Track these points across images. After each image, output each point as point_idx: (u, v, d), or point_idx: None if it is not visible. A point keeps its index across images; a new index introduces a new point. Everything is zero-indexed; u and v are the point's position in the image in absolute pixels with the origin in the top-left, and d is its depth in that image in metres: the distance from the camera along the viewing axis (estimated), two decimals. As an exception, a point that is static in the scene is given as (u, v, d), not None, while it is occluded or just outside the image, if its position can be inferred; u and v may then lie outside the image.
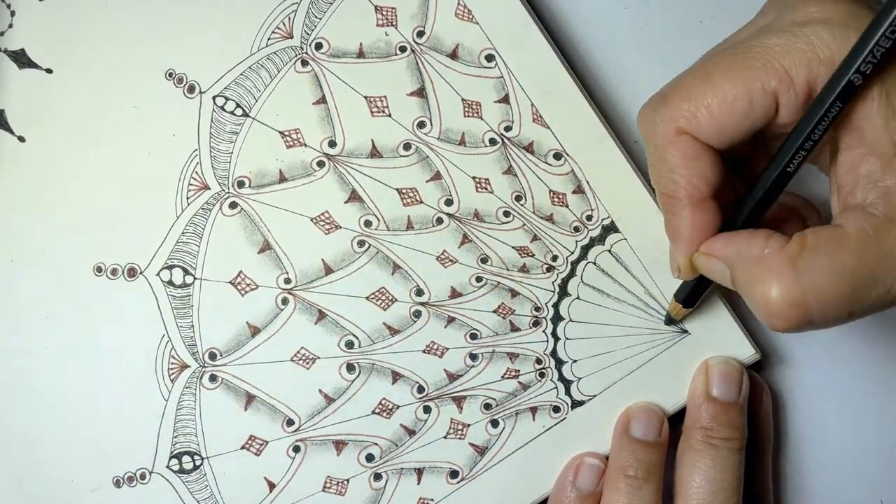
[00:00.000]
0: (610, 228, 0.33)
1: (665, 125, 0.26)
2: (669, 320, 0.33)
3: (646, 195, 0.32)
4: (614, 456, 0.32)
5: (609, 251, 0.33)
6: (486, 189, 0.33)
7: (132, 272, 0.33)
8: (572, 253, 0.33)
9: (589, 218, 0.33)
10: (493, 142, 0.33)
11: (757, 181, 0.27)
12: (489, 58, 0.33)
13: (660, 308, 0.33)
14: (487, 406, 0.33)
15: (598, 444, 0.33)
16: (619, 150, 0.32)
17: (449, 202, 0.33)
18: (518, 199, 0.33)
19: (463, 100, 0.33)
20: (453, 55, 0.33)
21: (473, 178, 0.33)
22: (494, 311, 0.33)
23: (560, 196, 0.33)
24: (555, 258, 0.33)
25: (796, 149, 0.25)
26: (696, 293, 0.31)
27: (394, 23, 0.33)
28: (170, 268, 0.33)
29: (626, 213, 0.32)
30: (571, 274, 0.33)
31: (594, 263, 0.33)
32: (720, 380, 0.32)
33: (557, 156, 0.33)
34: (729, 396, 0.32)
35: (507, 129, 0.33)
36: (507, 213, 0.33)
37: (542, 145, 0.33)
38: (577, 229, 0.33)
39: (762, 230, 0.26)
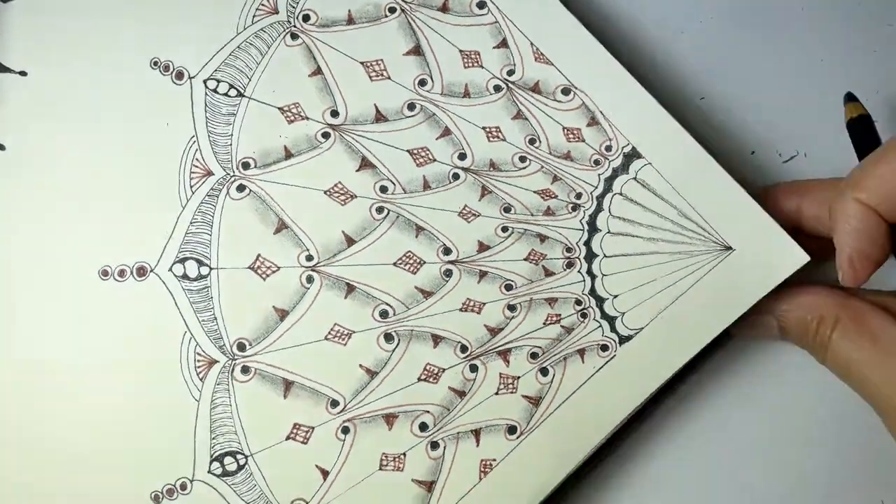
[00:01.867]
0: (632, 155, 0.32)
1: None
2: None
3: (663, 113, 0.32)
4: None
5: (634, 179, 0.32)
6: (497, 137, 0.32)
7: (142, 271, 0.30)
8: (596, 187, 0.32)
9: (608, 149, 0.32)
10: (497, 88, 0.32)
11: None
12: (480, 5, 0.32)
13: (696, 228, 0.32)
14: (534, 355, 0.32)
15: (651, 377, 0.31)
16: (626, 73, 0.32)
17: (462, 156, 0.32)
18: (532, 142, 0.32)
19: (461, 51, 0.32)
20: (444, 8, 0.32)
21: (483, 128, 0.32)
22: (525, 259, 0.32)
23: (575, 132, 0.32)
24: (579, 195, 0.32)
25: None
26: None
27: (381, -18, 0.32)
28: (182, 261, 0.31)
29: (645, 136, 0.32)
30: (598, 209, 0.32)
31: (621, 194, 0.32)
32: None
33: (566, 91, 0.32)
34: None
35: (510, 73, 0.32)
36: (522, 159, 0.32)
37: (548, 83, 0.32)
38: (597, 162, 0.32)
39: None
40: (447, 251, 0.32)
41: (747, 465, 0.35)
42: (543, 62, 0.32)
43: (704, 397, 0.34)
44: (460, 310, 0.32)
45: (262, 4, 0.32)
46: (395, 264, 0.31)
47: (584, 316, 0.32)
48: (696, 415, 0.34)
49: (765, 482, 0.34)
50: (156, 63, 0.31)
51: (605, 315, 0.32)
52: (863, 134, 0.32)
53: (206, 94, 0.31)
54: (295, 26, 0.32)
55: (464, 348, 0.31)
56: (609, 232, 0.32)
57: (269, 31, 0.32)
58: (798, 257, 0.32)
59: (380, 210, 0.32)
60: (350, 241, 0.31)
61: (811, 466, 0.34)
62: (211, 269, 0.31)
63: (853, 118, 0.32)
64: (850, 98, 0.33)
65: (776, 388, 0.35)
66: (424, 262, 0.32)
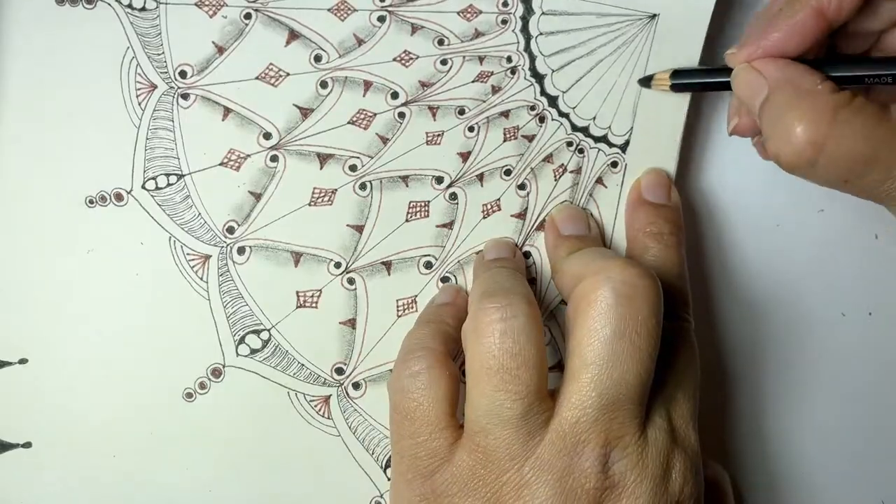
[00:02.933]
0: None
1: None
2: (646, 82, 0.32)
3: None
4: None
5: (543, 13, 0.32)
6: (411, 59, 0.32)
7: (119, 196, 0.32)
8: (518, 43, 0.32)
9: (505, 4, 0.32)
10: (381, 19, 0.32)
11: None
12: None
13: (618, 16, 0.32)
14: (507, 172, 0.33)
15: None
16: None
17: (382, -4, 0.32)
18: (441, 42, 0.32)
19: (328, 10, 0.32)
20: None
21: (393, 59, 0.32)
22: (474, 81, 0.33)
23: (468, 10, 0.32)
24: (509, 59, 0.33)
25: None
26: (692, 87, 0.31)
27: None
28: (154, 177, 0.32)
29: None
30: (532, 57, 0.33)
31: (540, 34, 0.32)
32: (565, 222, 0.33)
33: None
34: (579, 231, 0.32)
35: None
36: (444, 62, 0.32)
37: None
38: (504, 21, 0.32)
39: (819, 72, 0.27)
40: (395, 95, 0.33)
41: (746, 465, 0.36)
42: None
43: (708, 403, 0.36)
44: (426, 143, 0.33)
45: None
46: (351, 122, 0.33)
47: (541, 120, 0.33)
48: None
49: (763, 481, 0.36)
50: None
51: (574, 127, 0.33)
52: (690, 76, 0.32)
53: (126, 14, 0.32)
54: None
55: (439, 180, 0.33)
56: (552, 70, 0.33)
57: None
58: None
59: (324, 84, 0.32)
60: (305, 115, 0.32)
61: (811, 466, 0.36)
62: (182, 175, 0.32)
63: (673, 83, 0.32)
64: (645, 83, 0.33)
65: (774, 388, 0.36)
66: (376, 114, 0.33)
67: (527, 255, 0.33)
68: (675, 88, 0.32)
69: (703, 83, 0.31)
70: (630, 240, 0.33)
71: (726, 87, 0.30)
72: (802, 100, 0.26)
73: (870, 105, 0.26)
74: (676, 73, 0.32)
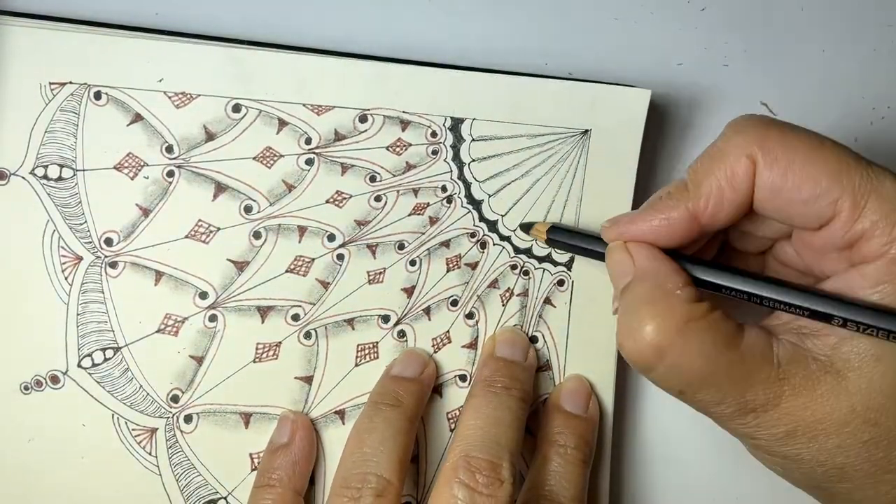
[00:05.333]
0: (456, 122, 0.32)
1: (747, 147, 0.25)
2: (526, 228, 0.32)
3: (452, 74, 0.31)
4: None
5: (473, 140, 0.32)
6: (345, 199, 0.32)
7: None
8: (451, 171, 0.32)
9: (434, 134, 0.32)
10: (309, 162, 0.31)
11: (752, 275, 0.27)
12: (236, 108, 0.31)
13: (550, 135, 0.32)
14: (454, 302, 0.32)
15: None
16: (394, 65, 0.31)
17: (308, 140, 0.32)
18: (372, 179, 0.32)
19: (253, 158, 0.31)
20: (209, 136, 0.31)
21: (326, 201, 0.31)
22: (410, 214, 0.32)
23: (397, 143, 0.32)
24: (444, 188, 0.32)
25: (810, 311, 0.25)
26: (564, 246, 0.31)
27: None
28: (89, 355, 0.31)
29: (453, 100, 0.32)
30: (467, 185, 0.32)
31: (473, 160, 0.32)
32: (503, 343, 0.32)
33: (363, 118, 0.31)
34: (512, 356, 0.32)
35: (308, 141, 0.31)
36: (378, 198, 0.32)
37: (343, 124, 0.31)
38: (434, 152, 0.32)
39: (685, 274, 0.27)
40: (332, 237, 0.32)
41: (746, 464, 0.35)
42: (326, 110, 0.31)
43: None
44: (369, 283, 0.32)
45: (52, 82, 0.30)
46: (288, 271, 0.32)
47: (483, 246, 0.32)
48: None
49: (763, 481, 0.35)
50: (-23, 174, 0.30)
51: (517, 249, 0.33)
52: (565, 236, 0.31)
53: (43, 186, 0.30)
54: (93, 86, 0.31)
55: (385, 318, 0.32)
56: (489, 195, 0.32)
57: (72, 99, 0.31)
58: (642, 95, 0.32)
59: (257, 235, 0.31)
60: (241, 267, 0.31)
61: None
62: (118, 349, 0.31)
63: (549, 238, 0.31)
64: (525, 229, 0.32)
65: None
66: (313, 261, 0.32)
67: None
68: (550, 244, 0.31)
69: (575, 246, 0.31)
70: (538, 443, 0.32)
71: (598, 256, 0.29)
72: (659, 300, 0.25)
73: (724, 324, 0.25)
74: (553, 230, 0.31)
